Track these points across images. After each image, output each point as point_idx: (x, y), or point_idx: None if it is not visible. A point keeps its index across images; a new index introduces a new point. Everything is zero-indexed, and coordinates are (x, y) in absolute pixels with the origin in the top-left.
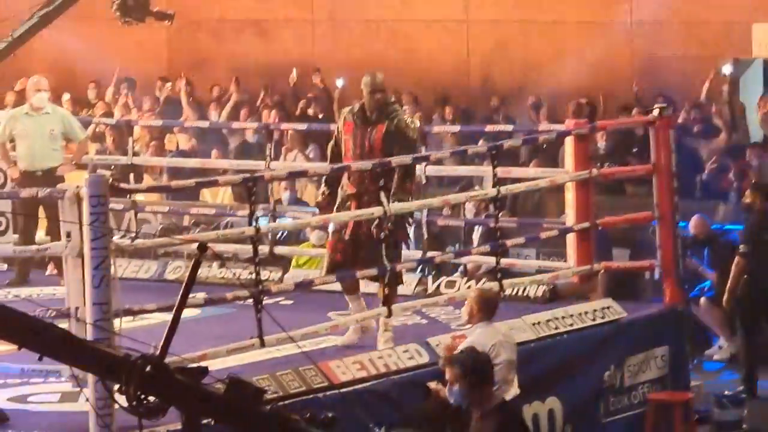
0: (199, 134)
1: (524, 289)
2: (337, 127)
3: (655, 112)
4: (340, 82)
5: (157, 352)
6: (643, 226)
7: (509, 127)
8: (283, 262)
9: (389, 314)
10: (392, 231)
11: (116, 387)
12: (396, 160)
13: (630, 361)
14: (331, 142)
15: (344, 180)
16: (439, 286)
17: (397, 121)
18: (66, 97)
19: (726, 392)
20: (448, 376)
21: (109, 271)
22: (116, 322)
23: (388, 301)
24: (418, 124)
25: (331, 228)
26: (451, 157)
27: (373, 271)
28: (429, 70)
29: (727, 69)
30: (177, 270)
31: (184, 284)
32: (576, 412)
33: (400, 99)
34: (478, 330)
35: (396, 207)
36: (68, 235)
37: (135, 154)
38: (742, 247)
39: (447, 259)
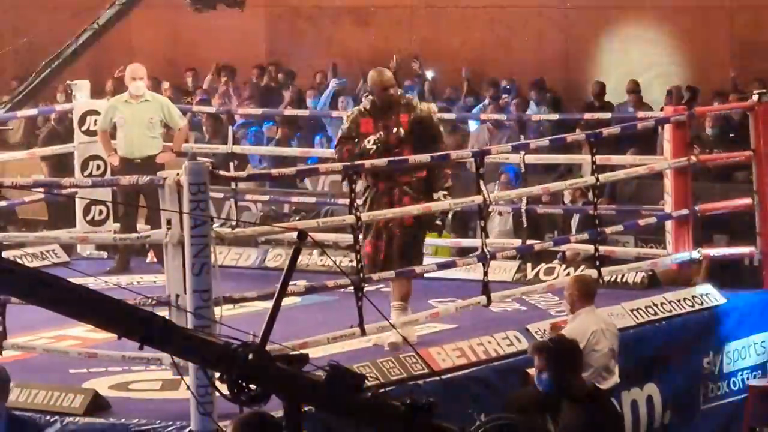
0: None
1: (623, 276)
2: (350, 128)
3: (755, 98)
4: (430, 74)
5: (258, 340)
6: (742, 212)
7: (607, 115)
8: None
9: (489, 301)
10: (422, 227)
11: (217, 375)
12: (454, 155)
13: (729, 347)
14: (345, 145)
15: (368, 179)
16: (538, 273)
17: (419, 110)
18: (166, 85)
19: None
20: (536, 363)
21: (209, 259)
22: (216, 310)
23: (406, 297)
24: (436, 109)
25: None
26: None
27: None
28: (526, 58)
29: None
30: (277, 258)
31: (284, 272)
32: (675, 398)
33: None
34: (580, 317)
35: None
36: (168, 222)
37: (235, 142)
38: None
39: (546, 247)
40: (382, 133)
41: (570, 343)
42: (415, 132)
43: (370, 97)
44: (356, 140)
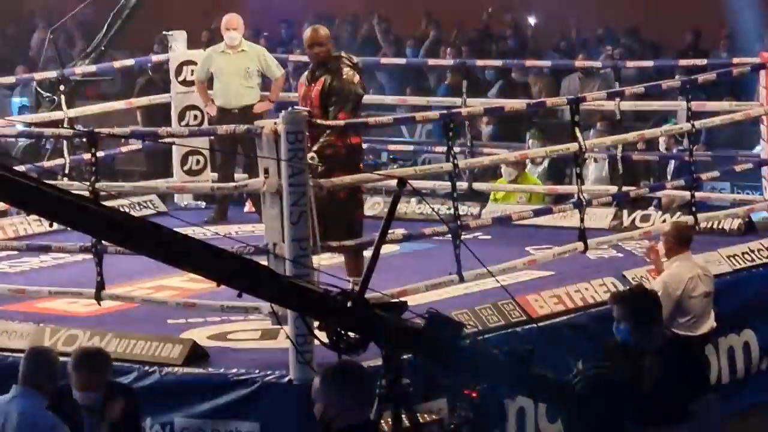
0: (398, 73)
1: (719, 222)
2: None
3: None
4: (532, 20)
5: (357, 288)
6: None
7: (703, 61)
8: (481, 198)
9: (585, 248)
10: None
11: (316, 324)
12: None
13: None
14: None
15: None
16: (634, 220)
17: (336, 75)
18: (263, 35)
19: None
20: (614, 313)
21: (307, 208)
22: (315, 258)
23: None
24: (357, 79)
25: None
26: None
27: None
28: (621, 6)
29: None
30: (375, 206)
31: (384, 220)
32: None
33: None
34: (676, 263)
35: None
36: (266, 171)
37: None
38: None
39: (641, 194)
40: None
41: (649, 294)
42: (321, 99)
43: None
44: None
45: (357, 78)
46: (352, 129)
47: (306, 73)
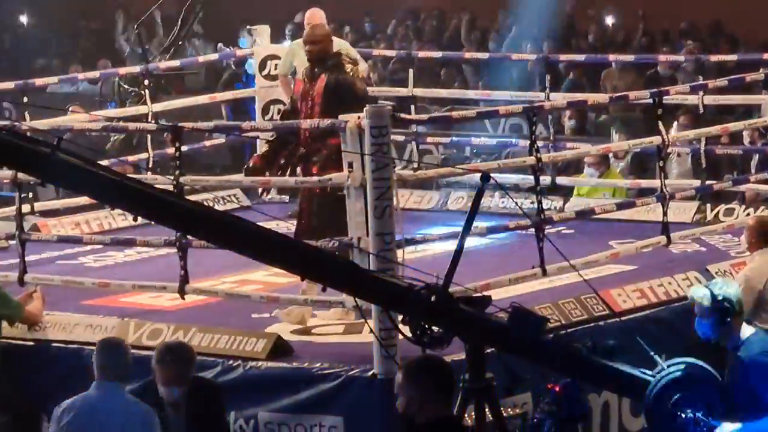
0: (481, 67)
1: None
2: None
3: None
4: (609, 20)
5: (441, 282)
6: None
7: None
8: (564, 192)
9: (668, 242)
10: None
11: (400, 317)
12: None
13: None
14: (288, 105)
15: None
16: (717, 213)
17: (337, 74)
18: (346, 29)
19: None
20: (695, 309)
21: (391, 202)
22: (399, 252)
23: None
24: (363, 74)
25: None
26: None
27: None
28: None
29: None
30: (459, 200)
31: (468, 213)
32: None
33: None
34: (758, 257)
35: None
36: (350, 165)
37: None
38: None
39: (725, 187)
40: (289, 105)
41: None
42: (324, 98)
43: None
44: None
45: (362, 73)
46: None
47: (304, 69)
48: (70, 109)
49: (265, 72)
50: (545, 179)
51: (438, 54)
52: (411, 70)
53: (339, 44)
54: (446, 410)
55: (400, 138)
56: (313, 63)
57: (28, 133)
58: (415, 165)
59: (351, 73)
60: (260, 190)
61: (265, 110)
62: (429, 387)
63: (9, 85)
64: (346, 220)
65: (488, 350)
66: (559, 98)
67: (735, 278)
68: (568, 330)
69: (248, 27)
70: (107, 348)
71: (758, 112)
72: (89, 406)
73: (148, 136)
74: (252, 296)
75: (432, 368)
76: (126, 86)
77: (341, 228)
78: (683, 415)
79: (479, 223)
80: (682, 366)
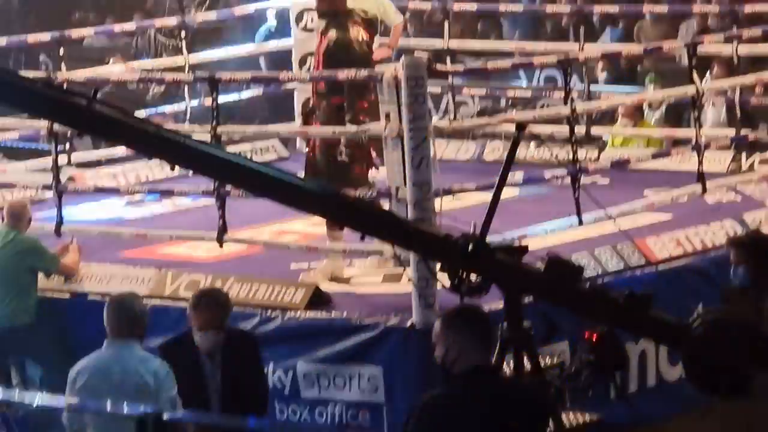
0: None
1: None
2: None
3: None
4: None
5: (478, 232)
6: None
7: None
8: (599, 142)
9: (704, 190)
10: (348, 154)
11: (438, 266)
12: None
13: None
14: None
15: None
16: (752, 163)
17: (339, 34)
18: None
19: None
20: (732, 258)
21: (428, 152)
22: (436, 202)
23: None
24: (365, 38)
25: None
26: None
27: None
28: None
29: None
30: (495, 151)
31: (504, 163)
32: None
33: None
34: None
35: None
36: (387, 116)
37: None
38: None
39: (760, 137)
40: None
41: (766, 237)
42: (326, 56)
43: None
44: None
45: (363, 36)
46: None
47: (322, 22)
48: (111, 60)
49: (302, 24)
50: (580, 130)
51: (473, 6)
52: (447, 23)
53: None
54: (484, 360)
55: (437, 89)
56: (320, 18)
57: (65, 86)
58: (452, 116)
59: (352, 36)
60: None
61: (302, 62)
62: (467, 336)
63: (45, 37)
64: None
65: (526, 300)
66: (594, 49)
67: None
68: (605, 279)
69: None
70: (117, 305)
71: None
72: (103, 366)
73: (186, 87)
74: (291, 246)
75: (470, 318)
76: (162, 38)
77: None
78: (721, 363)
79: (516, 173)
80: (719, 314)
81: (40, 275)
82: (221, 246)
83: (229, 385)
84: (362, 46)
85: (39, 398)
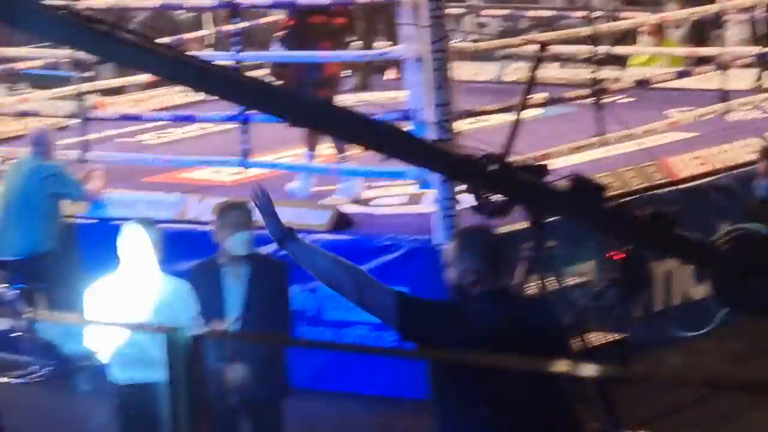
0: None
1: None
2: None
3: None
4: None
5: (501, 152)
6: None
7: None
8: (622, 62)
9: (727, 109)
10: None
11: (461, 188)
12: None
13: None
14: None
15: None
16: None
17: None
18: None
19: None
20: (760, 169)
21: (448, 73)
22: (458, 123)
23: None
24: None
25: None
26: None
27: None
28: None
29: None
30: (516, 72)
31: (525, 83)
32: None
33: None
34: None
35: None
36: (408, 39)
37: None
38: None
39: None
40: None
41: None
42: None
43: None
44: None
45: None
46: None
47: None
48: None
49: None
50: (602, 49)
51: None
52: None
53: None
54: (503, 281)
55: (458, 11)
56: None
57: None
58: (472, 37)
59: None
60: None
61: None
62: (485, 257)
63: None
64: None
65: (550, 219)
66: None
67: None
68: (629, 198)
69: None
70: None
71: None
72: (124, 288)
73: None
74: (313, 168)
75: (487, 238)
76: None
77: None
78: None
79: (538, 94)
80: (744, 231)
81: (66, 201)
82: (246, 169)
83: (251, 312)
84: None
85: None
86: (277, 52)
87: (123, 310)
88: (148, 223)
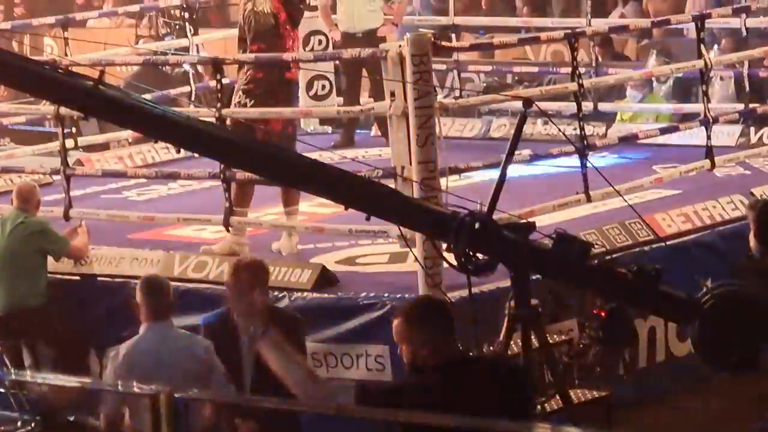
0: None
1: None
2: None
3: None
4: None
5: (485, 209)
6: None
7: None
8: (607, 118)
9: (713, 166)
10: None
11: (444, 246)
12: None
13: None
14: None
15: None
16: (761, 137)
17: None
18: None
19: None
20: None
21: (433, 130)
22: (442, 180)
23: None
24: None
25: None
26: None
27: None
28: None
29: None
30: (501, 128)
31: (510, 140)
32: None
33: None
34: None
35: None
36: (392, 94)
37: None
38: None
39: None
40: None
41: None
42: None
43: None
44: None
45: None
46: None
47: None
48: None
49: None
50: (588, 105)
51: None
52: (450, 0)
53: None
54: (457, 349)
55: (442, 67)
56: None
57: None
58: (457, 93)
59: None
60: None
61: (306, 41)
62: (439, 328)
63: (50, 20)
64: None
65: (534, 277)
66: (601, 24)
67: None
68: (613, 255)
69: None
70: (154, 287)
71: None
72: (149, 348)
73: (190, 70)
74: (297, 227)
75: (438, 309)
76: (166, 19)
77: None
78: (731, 338)
79: (523, 150)
80: (728, 289)
81: (50, 258)
82: (228, 229)
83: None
84: (268, 18)
85: (51, 380)
86: (260, 109)
87: (151, 372)
88: (160, 281)
